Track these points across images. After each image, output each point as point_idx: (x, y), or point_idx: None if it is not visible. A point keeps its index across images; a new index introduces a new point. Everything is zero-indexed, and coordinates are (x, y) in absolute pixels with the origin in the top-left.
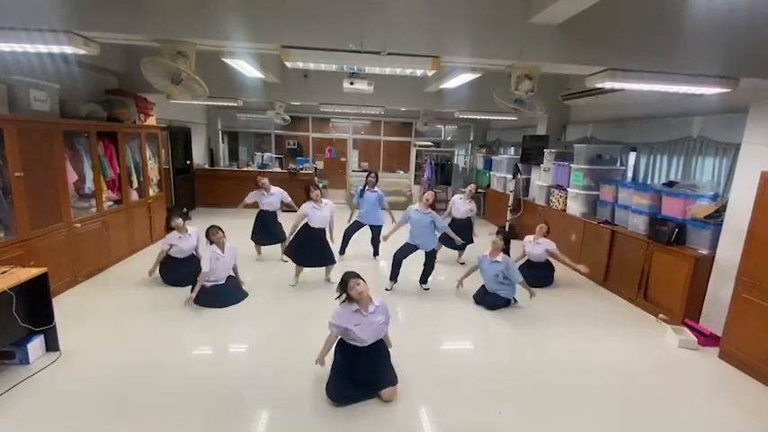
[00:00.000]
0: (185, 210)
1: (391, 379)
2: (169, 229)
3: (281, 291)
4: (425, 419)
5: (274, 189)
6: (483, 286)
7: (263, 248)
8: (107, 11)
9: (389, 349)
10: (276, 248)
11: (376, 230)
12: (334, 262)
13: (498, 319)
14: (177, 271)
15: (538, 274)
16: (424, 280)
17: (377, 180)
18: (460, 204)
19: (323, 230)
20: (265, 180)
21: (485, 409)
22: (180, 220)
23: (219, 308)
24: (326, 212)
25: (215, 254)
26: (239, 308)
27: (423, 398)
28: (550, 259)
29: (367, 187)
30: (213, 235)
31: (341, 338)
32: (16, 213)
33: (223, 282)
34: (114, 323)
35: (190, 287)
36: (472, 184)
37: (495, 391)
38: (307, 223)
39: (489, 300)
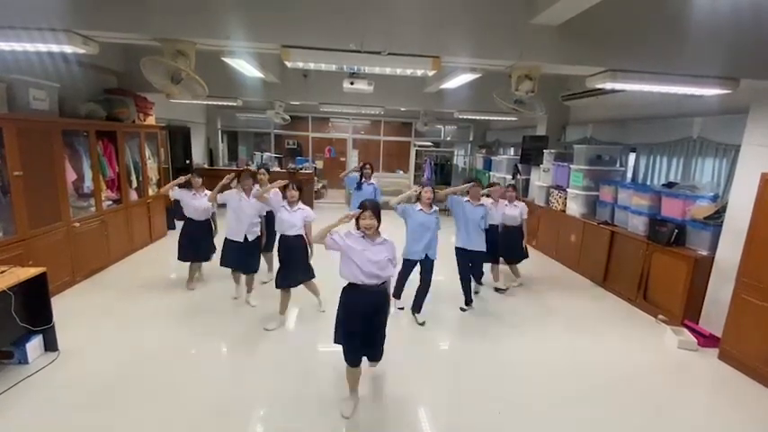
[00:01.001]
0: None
1: (381, 351)
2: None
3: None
4: (424, 420)
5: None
6: (461, 254)
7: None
8: (107, 10)
9: (390, 310)
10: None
11: None
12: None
13: (497, 319)
14: (193, 241)
15: (514, 245)
16: (417, 307)
17: (372, 172)
18: (508, 209)
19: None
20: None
21: (484, 410)
22: (199, 180)
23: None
24: (297, 219)
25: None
26: (240, 308)
27: (422, 398)
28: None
29: (363, 179)
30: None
31: (344, 289)
32: (15, 212)
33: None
34: (113, 323)
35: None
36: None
37: (495, 391)
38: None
39: (477, 271)
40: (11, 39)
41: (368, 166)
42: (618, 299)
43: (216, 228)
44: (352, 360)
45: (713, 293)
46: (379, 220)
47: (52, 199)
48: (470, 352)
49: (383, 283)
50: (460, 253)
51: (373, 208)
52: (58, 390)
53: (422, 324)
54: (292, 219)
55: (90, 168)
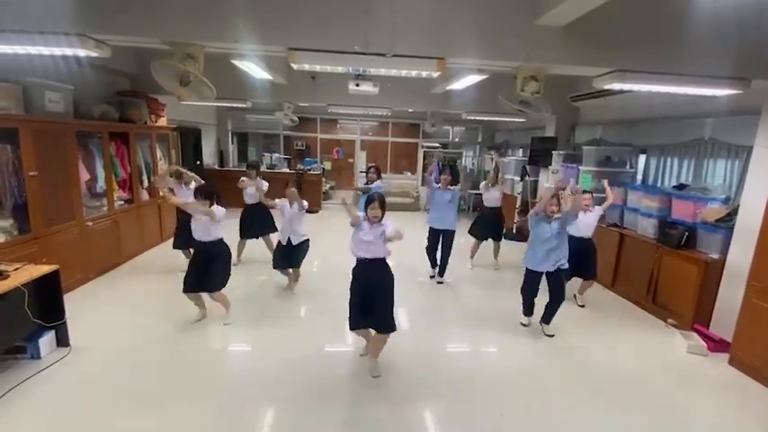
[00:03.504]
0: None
1: (388, 324)
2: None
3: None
4: (429, 420)
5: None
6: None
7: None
8: (118, 14)
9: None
10: (263, 253)
11: None
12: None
13: (503, 321)
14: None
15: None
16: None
17: (379, 174)
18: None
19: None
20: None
21: (487, 411)
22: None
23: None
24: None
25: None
26: (250, 304)
27: (425, 399)
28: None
29: (368, 184)
30: None
31: (355, 264)
32: (30, 211)
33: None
34: (124, 320)
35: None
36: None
37: (499, 393)
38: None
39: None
40: (27, 43)
41: (372, 169)
42: (627, 302)
43: None
44: (351, 324)
45: (724, 297)
46: (383, 211)
47: (66, 198)
48: (473, 354)
49: (382, 258)
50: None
51: (380, 200)
52: (70, 384)
53: (551, 336)
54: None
55: (103, 169)
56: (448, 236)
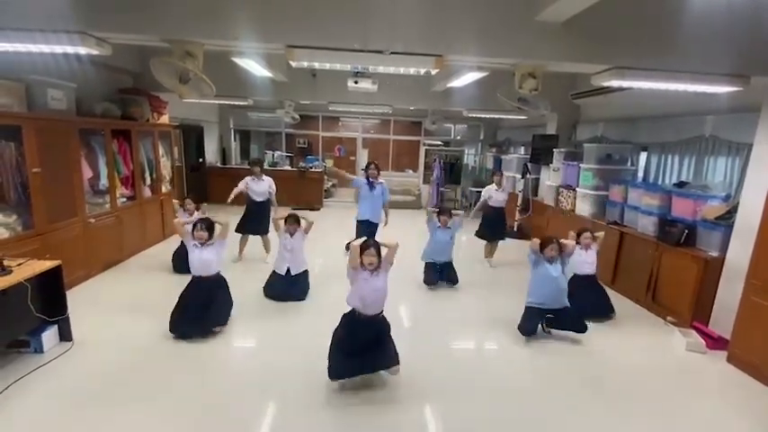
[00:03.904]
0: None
1: (393, 358)
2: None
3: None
4: (430, 419)
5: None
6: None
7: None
8: (118, 12)
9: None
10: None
11: (374, 229)
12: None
13: (502, 319)
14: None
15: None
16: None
17: (378, 171)
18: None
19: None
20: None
21: (489, 409)
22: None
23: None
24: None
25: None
26: (251, 302)
27: (426, 398)
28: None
29: (371, 180)
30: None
31: (346, 315)
32: (33, 208)
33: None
34: (126, 316)
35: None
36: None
37: (499, 390)
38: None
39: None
40: (28, 41)
41: (372, 165)
42: (626, 300)
43: None
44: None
45: (723, 295)
46: (380, 258)
47: (69, 195)
48: (474, 352)
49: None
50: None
51: (376, 247)
52: (72, 378)
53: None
54: (204, 255)
55: (105, 166)
56: (449, 264)
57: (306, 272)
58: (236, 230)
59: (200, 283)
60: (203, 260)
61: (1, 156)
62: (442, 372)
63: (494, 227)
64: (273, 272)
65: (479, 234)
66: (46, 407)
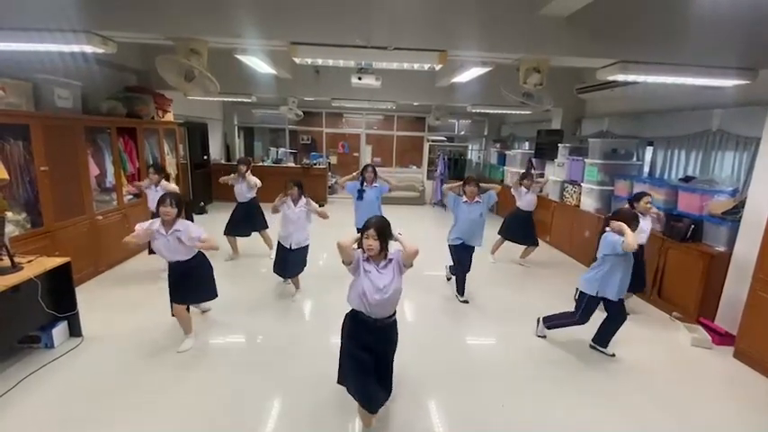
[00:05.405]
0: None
1: (387, 391)
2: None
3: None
4: (432, 410)
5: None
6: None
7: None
8: (122, 11)
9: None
10: (257, 248)
11: None
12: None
13: (508, 314)
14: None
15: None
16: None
17: (375, 175)
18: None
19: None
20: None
21: (488, 402)
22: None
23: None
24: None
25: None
26: (251, 300)
27: (427, 390)
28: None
29: (365, 184)
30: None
31: (348, 315)
32: (42, 206)
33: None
34: (134, 311)
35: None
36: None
37: (501, 384)
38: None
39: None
40: (35, 40)
41: (369, 168)
42: (632, 295)
43: None
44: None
45: (730, 291)
46: (384, 242)
47: (76, 193)
48: (476, 346)
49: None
50: None
51: (378, 227)
52: (83, 373)
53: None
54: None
55: (112, 164)
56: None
57: (306, 248)
58: (224, 233)
59: (176, 267)
60: (171, 247)
61: (10, 154)
62: (438, 366)
63: (524, 229)
64: (279, 244)
65: (505, 235)
66: (58, 401)
